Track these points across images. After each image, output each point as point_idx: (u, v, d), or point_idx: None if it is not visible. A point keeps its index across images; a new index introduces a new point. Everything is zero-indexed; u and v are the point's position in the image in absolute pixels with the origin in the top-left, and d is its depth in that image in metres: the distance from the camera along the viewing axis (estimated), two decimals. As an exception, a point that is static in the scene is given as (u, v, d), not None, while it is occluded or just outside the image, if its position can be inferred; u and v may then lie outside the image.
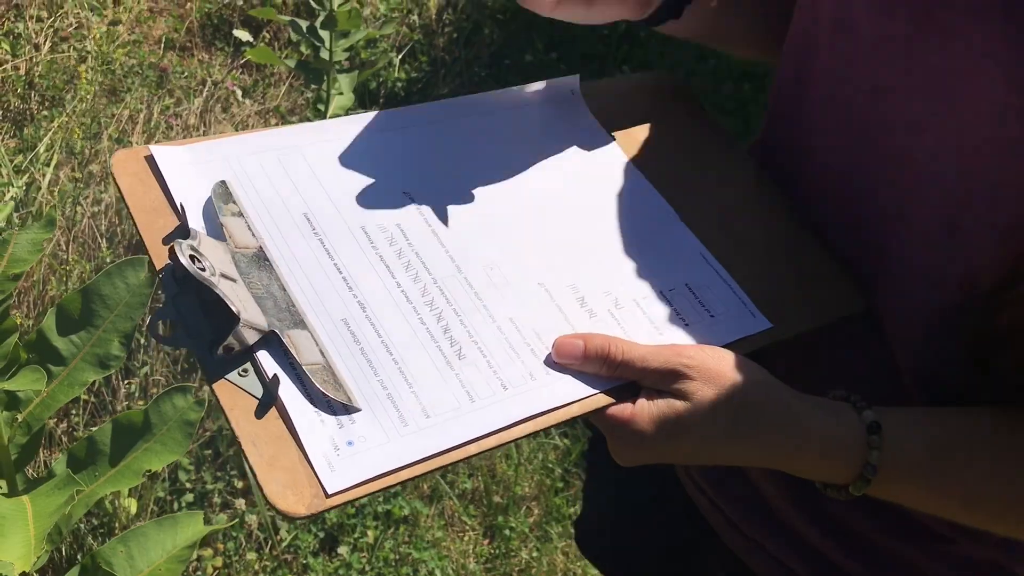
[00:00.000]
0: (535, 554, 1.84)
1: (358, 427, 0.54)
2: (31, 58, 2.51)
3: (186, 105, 2.51)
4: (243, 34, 2.61)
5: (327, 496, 0.51)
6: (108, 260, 2.00)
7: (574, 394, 0.59)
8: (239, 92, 2.60)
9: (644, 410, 0.59)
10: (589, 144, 0.78)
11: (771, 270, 0.72)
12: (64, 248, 2.04)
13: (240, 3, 2.90)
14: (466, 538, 1.86)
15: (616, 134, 0.79)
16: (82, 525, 1.65)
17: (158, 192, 0.63)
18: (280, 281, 0.60)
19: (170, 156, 0.65)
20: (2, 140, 2.26)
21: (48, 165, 2.19)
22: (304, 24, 1.83)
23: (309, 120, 1.85)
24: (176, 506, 1.71)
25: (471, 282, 0.64)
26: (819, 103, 0.72)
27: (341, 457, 0.53)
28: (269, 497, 0.51)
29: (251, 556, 1.71)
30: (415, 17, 3.03)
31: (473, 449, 0.56)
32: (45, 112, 2.41)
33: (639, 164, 0.77)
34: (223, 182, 0.64)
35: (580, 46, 3.03)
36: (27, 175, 2.17)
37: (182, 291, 0.56)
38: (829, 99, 0.71)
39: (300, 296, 0.60)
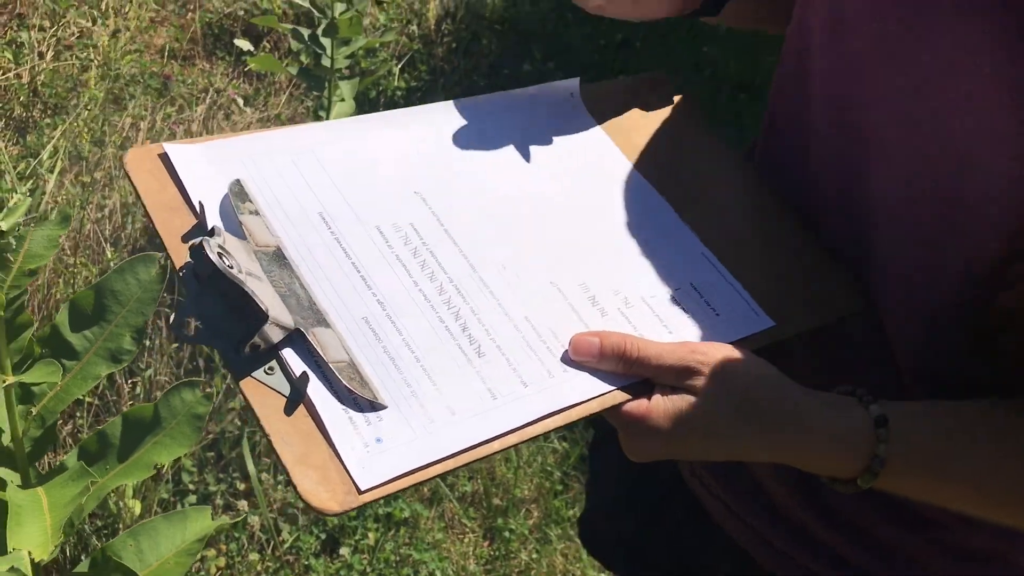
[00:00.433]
0: (535, 556, 1.85)
1: (386, 424, 0.55)
2: (34, 67, 2.54)
3: (188, 113, 2.53)
4: (244, 43, 2.63)
5: (360, 493, 0.52)
6: (113, 264, 2.02)
7: (592, 391, 0.60)
8: (240, 100, 2.63)
9: (659, 406, 0.60)
10: (588, 145, 0.80)
11: (771, 270, 0.73)
12: (70, 253, 2.06)
13: (241, 13, 2.93)
14: (466, 540, 1.87)
15: (614, 136, 0.81)
16: (86, 526, 1.66)
17: (174, 190, 0.64)
18: (300, 279, 0.61)
19: (184, 154, 0.66)
20: (5, 147, 2.28)
21: (52, 171, 2.21)
22: (306, 32, 1.86)
23: (311, 127, 1.86)
24: (179, 507, 1.73)
25: (486, 281, 0.65)
26: (816, 100, 0.74)
27: (371, 454, 0.54)
28: (302, 494, 0.51)
29: (253, 557, 1.73)
30: (414, 27, 3.06)
31: (496, 446, 0.57)
32: (48, 120, 2.44)
33: (637, 165, 0.79)
34: (239, 180, 0.65)
35: (577, 56, 3.06)
36: (31, 181, 2.19)
37: (204, 289, 0.57)
38: (825, 97, 0.73)
39: (320, 294, 0.61)
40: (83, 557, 1.59)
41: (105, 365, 0.93)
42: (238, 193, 0.65)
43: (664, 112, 0.85)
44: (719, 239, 0.74)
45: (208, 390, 1.52)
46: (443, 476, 1.90)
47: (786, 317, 0.69)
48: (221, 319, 0.56)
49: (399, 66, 2.88)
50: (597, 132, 0.81)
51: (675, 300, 0.68)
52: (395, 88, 2.83)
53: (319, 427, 0.54)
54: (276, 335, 0.56)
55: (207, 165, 0.67)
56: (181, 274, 0.59)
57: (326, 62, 1.87)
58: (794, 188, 0.79)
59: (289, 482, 0.58)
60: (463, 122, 0.78)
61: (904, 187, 0.67)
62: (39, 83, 2.51)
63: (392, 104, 2.79)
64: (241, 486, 1.82)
